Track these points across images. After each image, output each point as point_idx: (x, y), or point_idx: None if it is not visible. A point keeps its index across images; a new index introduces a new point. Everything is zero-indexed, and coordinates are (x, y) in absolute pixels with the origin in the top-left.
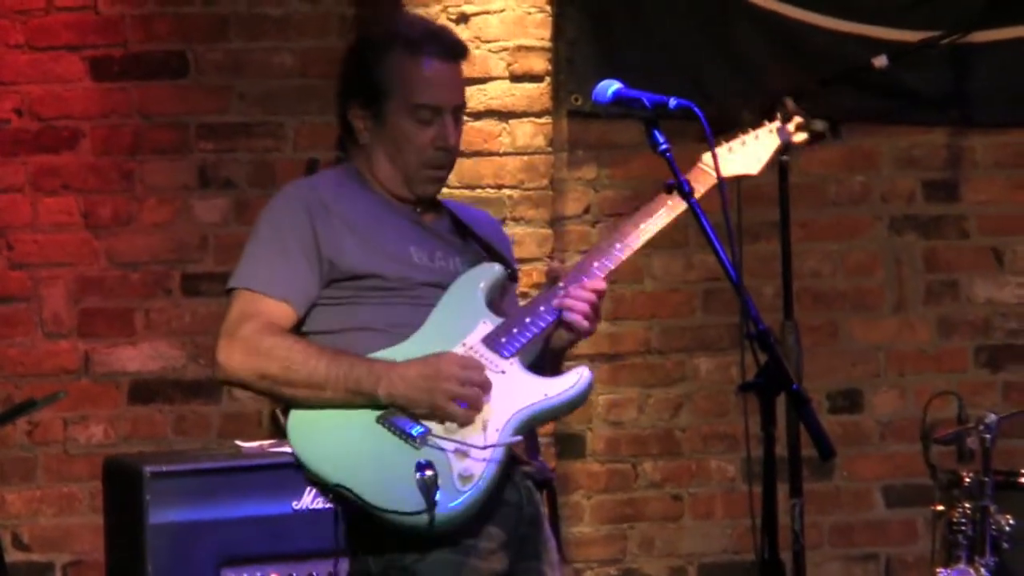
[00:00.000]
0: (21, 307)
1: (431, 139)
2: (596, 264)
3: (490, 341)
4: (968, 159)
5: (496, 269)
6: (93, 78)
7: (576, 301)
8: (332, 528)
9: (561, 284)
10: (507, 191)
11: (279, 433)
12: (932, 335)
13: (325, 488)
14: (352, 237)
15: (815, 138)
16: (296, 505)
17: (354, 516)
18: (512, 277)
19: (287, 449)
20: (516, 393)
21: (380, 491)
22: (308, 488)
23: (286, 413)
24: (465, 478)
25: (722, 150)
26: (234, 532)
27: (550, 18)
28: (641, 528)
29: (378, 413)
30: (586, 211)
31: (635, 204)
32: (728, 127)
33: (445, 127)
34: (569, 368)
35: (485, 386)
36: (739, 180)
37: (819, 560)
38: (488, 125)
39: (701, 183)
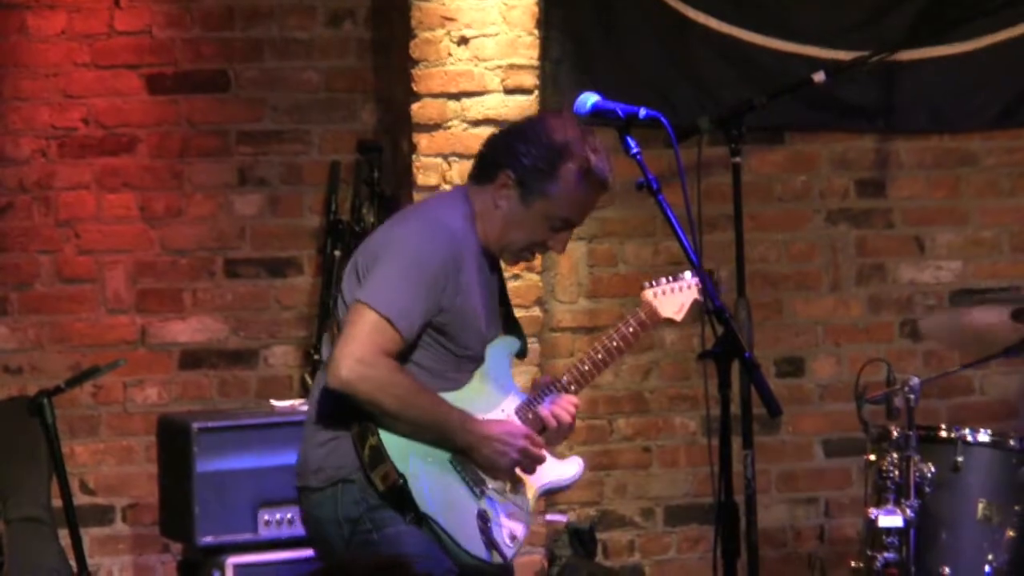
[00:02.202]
0: (87, 287)
1: (548, 240)
2: (573, 387)
3: (520, 414)
4: (894, 161)
5: (518, 345)
6: (148, 92)
7: (563, 412)
8: None
9: (555, 387)
10: None
11: (306, 394)
12: (863, 311)
13: (409, 505)
14: (461, 299)
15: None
16: None
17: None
18: (520, 355)
19: None
20: (543, 470)
21: (457, 529)
22: None
23: (313, 377)
24: (513, 537)
25: (657, 290)
26: (269, 478)
27: (538, 41)
28: (616, 475)
29: (451, 456)
30: None
31: (609, 199)
32: (689, 134)
33: (566, 238)
34: (568, 457)
35: (542, 460)
36: (699, 180)
37: (768, 502)
38: (484, 131)
39: (650, 318)
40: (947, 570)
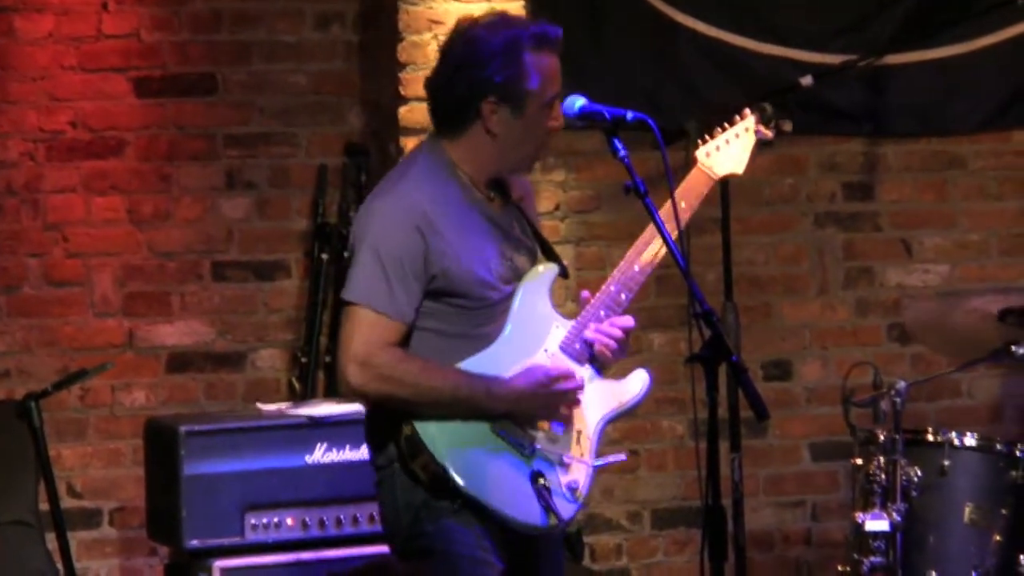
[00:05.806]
0: (75, 290)
1: (553, 123)
2: (623, 295)
3: (567, 347)
4: (881, 164)
5: (555, 270)
6: (136, 95)
7: (607, 338)
8: (339, 478)
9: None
10: None
11: (293, 397)
12: (850, 314)
13: (455, 491)
14: (451, 257)
15: (780, 134)
16: (309, 459)
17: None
18: (563, 274)
19: (300, 411)
20: (597, 401)
21: (509, 504)
22: (319, 443)
23: (301, 380)
24: (574, 490)
25: (710, 147)
26: (256, 482)
27: None
28: (603, 478)
29: (491, 424)
30: (556, 208)
31: (597, 203)
32: (676, 137)
33: (558, 110)
34: (629, 372)
35: (580, 387)
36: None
37: (755, 506)
38: None
39: (703, 184)
40: (934, 574)
